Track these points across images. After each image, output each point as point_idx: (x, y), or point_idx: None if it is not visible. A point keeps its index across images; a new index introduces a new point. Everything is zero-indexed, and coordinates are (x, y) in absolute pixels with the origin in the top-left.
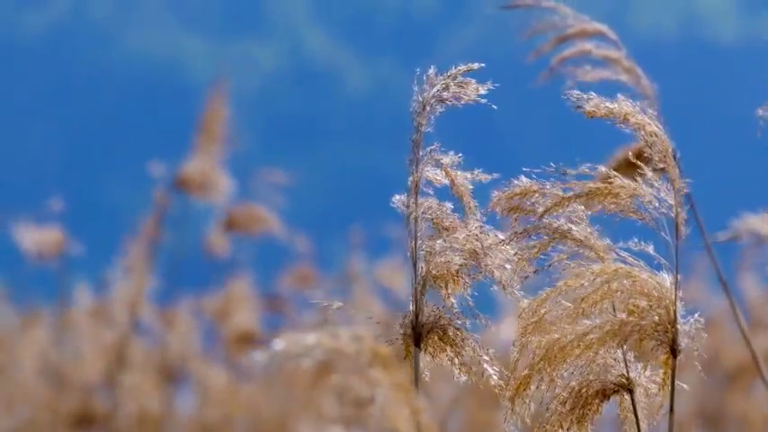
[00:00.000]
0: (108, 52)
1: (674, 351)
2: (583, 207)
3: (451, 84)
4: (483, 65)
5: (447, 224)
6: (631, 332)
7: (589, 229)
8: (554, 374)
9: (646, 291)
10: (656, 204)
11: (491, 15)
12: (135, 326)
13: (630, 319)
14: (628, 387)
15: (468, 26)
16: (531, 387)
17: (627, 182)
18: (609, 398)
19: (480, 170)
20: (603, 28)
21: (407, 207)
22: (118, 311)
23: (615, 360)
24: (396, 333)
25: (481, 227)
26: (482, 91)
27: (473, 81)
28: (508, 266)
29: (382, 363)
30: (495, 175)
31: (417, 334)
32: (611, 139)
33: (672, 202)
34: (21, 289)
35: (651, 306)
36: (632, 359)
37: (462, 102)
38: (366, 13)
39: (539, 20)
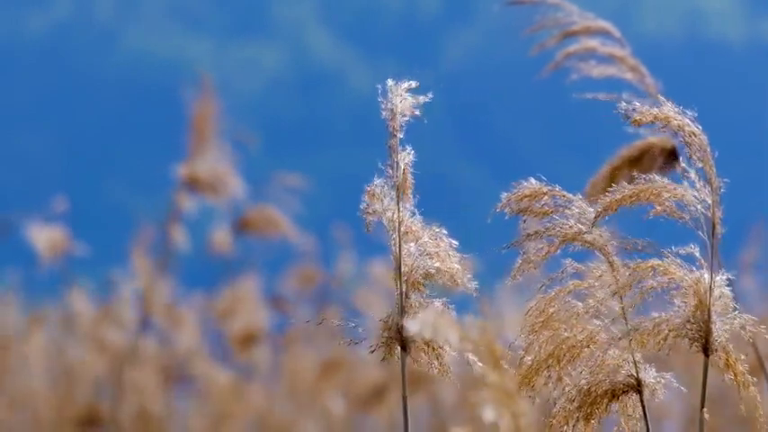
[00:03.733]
0: (111, 54)
1: (706, 350)
2: (591, 209)
3: (406, 96)
4: (418, 84)
5: (415, 229)
6: (664, 331)
7: (598, 232)
8: (562, 372)
9: (682, 288)
10: (697, 204)
11: (495, 16)
12: (141, 325)
13: (665, 317)
14: (637, 388)
15: (472, 27)
16: (539, 382)
17: (668, 181)
18: (618, 398)
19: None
20: (608, 25)
21: (388, 211)
22: (124, 311)
23: (624, 360)
24: (381, 337)
25: (438, 231)
26: (419, 102)
27: (417, 98)
28: (457, 266)
29: (493, 361)
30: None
31: (403, 337)
32: (612, 137)
33: (710, 201)
34: (26, 289)
35: (686, 303)
36: (641, 359)
37: (413, 114)
38: (369, 15)
39: (543, 16)
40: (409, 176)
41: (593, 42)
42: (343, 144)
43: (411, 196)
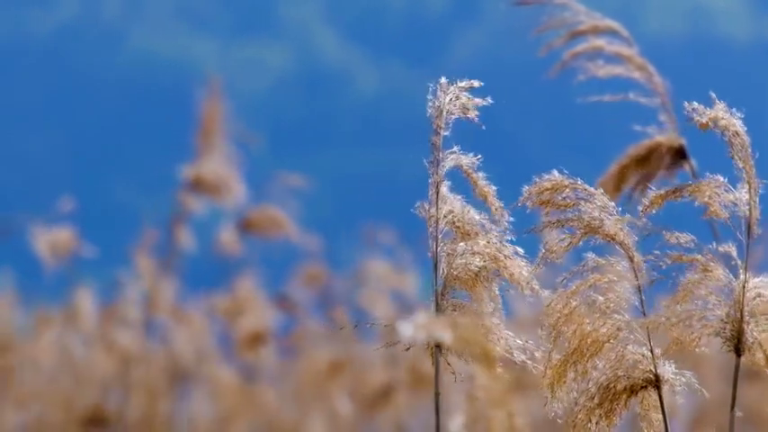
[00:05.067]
0: (116, 54)
1: (737, 349)
2: (613, 204)
3: (461, 95)
4: (482, 83)
5: (468, 229)
6: (696, 327)
7: (620, 225)
8: (588, 365)
9: (718, 286)
10: (743, 205)
11: (502, 15)
12: (147, 326)
13: (697, 313)
14: (655, 384)
15: (478, 27)
16: (569, 374)
17: (710, 179)
18: (637, 394)
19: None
20: (615, 25)
21: (429, 208)
22: (130, 312)
23: (643, 356)
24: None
25: (501, 236)
26: (479, 104)
27: (473, 98)
28: (525, 272)
29: (486, 361)
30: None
31: None
32: (616, 137)
33: (750, 201)
34: (33, 290)
35: (720, 302)
36: (659, 355)
37: (467, 114)
38: (375, 15)
39: (550, 16)
40: (482, 182)
41: (600, 42)
42: (349, 144)
43: (499, 206)
